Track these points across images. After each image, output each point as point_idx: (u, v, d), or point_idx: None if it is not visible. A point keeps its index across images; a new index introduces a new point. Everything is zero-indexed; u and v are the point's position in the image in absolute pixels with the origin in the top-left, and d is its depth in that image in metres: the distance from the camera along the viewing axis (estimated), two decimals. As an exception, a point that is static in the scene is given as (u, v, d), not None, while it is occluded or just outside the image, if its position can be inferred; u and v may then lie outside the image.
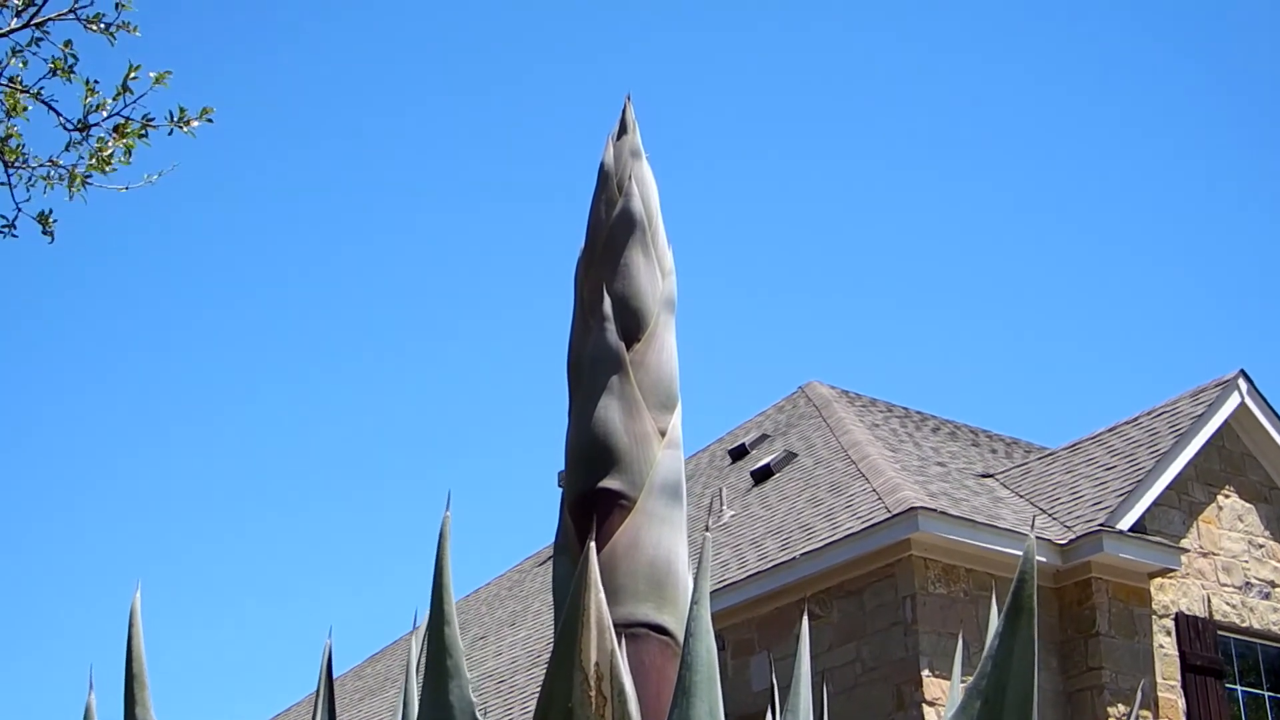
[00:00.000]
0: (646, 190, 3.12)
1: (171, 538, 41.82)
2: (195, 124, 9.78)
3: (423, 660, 2.59)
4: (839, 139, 39.74)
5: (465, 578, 27.02)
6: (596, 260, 3.07)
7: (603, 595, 2.43)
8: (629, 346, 2.97)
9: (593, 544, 2.42)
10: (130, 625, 2.74)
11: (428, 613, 2.55)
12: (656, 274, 3.06)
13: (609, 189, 3.11)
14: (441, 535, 2.50)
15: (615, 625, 2.52)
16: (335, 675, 3.10)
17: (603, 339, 2.96)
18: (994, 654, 2.44)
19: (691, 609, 2.45)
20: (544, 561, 24.84)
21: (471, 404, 43.81)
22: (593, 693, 2.36)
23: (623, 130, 3.19)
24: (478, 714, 2.46)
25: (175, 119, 9.76)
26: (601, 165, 3.14)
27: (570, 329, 3.09)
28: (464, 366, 42.65)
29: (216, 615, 42.74)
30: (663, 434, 2.95)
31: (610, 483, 2.87)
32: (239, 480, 43.61)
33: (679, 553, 2.89)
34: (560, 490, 3.00)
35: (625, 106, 3.21)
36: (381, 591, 43.01)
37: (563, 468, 3.02)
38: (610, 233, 3.07)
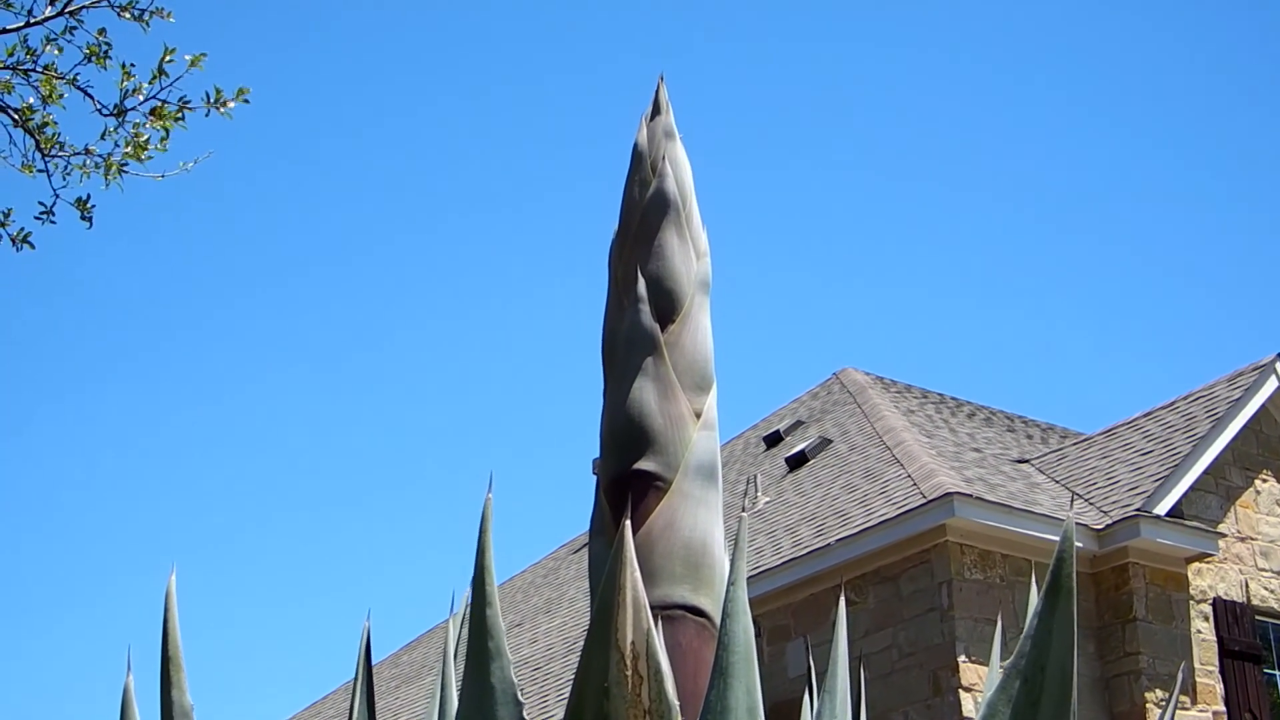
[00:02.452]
0: (680, 171, 3.10)
1: (210, 525, 42.01)
2: (231, 105, 9.82)
3: (462, 644, 2.59)
4: (874, 123, 39.65)
5: (500, 566, 26.96)
6: (630, 241, 3.05)
7: (638, 574, 2.42)
8: (663, 327, 2.95)
9: (628, 522, 2.41)
10: (166, 608, 2.75)
11: (467, 595, 2.54)
12: (691, 255, 3.04)
13: (642, 170, 3.10)
14: (484, 516, 2.48)
15: (651, 607, 2.51)
16: (373, 662, 3.09)
17: (637, 320, 2.95)
18: (1033, 634, 2.43)
19: (728, 590, 2.44)
20: (579, 549, 24.86)
21: (506, 393, 43.88)
22: (629, 672, 2.35)
23: (656, 111, 3.17)
24: (519, 695, 2.45)
25: (212, 100, 9.80)
26: (635, 146, 3.12)
27: (604, 311, 3.08)
28: (499, 355, 42.71)
29: (253, 603, 42.92)
30: (698, 415, 2.93)
31: (645, 464, 2.86)
32: (275, 469, 43.77)
33: (715, 535, 2.88)
34: (595, 477, 2.99)
35: (658, 87, 3.19)
36: (417, 581, 43.14)
37: (597, 455, 3.01)
38: (644, 214, 3.05)
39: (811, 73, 39.76)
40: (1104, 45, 38.61)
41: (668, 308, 2.97)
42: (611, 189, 3.13)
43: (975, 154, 38.99)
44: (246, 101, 9.82)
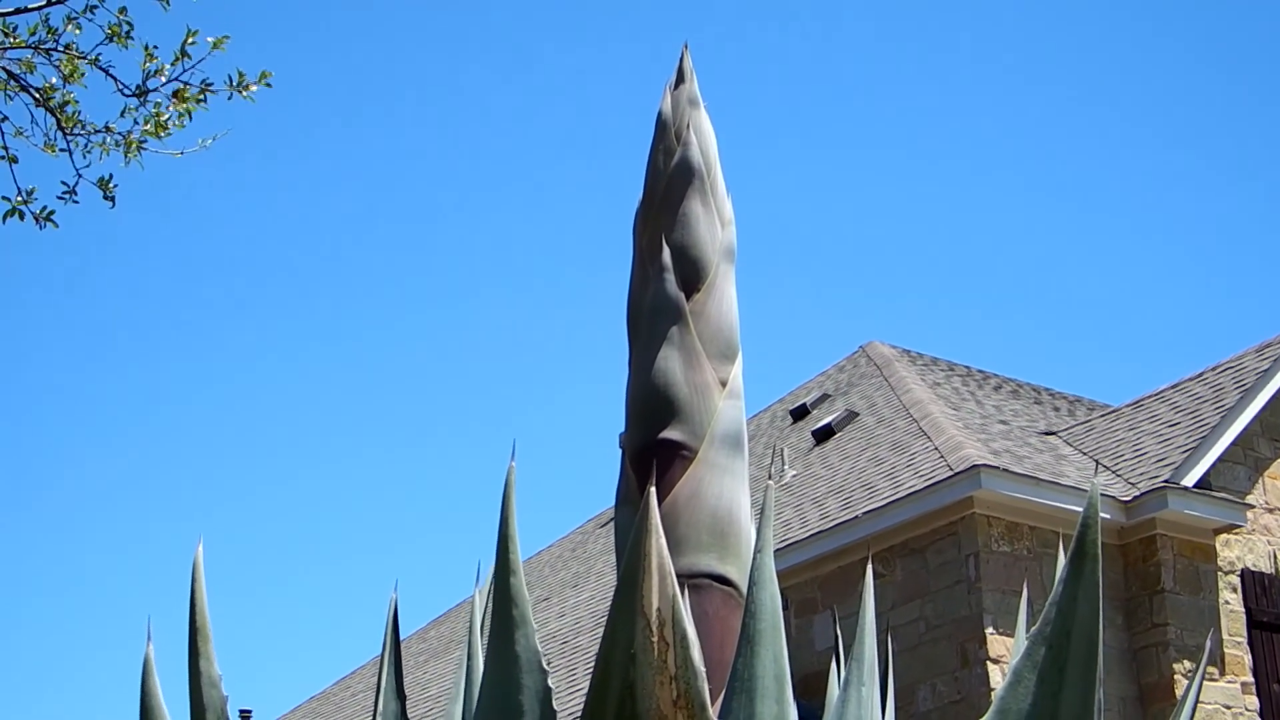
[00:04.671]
0: (705, 139, 3.09)
1: (237, 501, 42.15)
2: (254, 88, 9.85)
3: (488, 614, 2.59)
4: (901, 94, 39.52)
5: (528, 540, 27.04)
6: (655, 210, 3.05)
7: (664, 540, 2.41)
8: (688, 296, 2.95)
9: (653, 488, 2.40)
10: (194, 579, 2.76)
11: (493, 566, 2.54)
12: (716, 223, 3.03)
13: (667, 138, 3.09)
14: (507, 485, 2.48)
15: (677, 576, 2.51)
16: (401, 637, 3.10)
17: (662, 289, 2.94)
18: (1059, 600, 2.42)
19: (755, 557, 2.44)
20: (606, 523, 24.88)
21: (530, 369, 43.89)
22: (655, 638, 2.34)
23: (680, 79, 3.16)
24: (544, 663, 2.45)
25: (234, 84, 9.83)
26: (659, 114, 3.11)
27: (629, 281, 3.07)
28: (525, 328, 42.71)
29: (281, 580, 43.08)
30: (723, 384, 2.93)
31: (671, 433, 2.86)
32: (300, 446, 43.88)
33: (741, 503, 2.87)
34: (621, 451, 2.99)
35: (683, 55, 3.18)
36: (445, 557, 43.26)
37: (623, 429, 3.01)
38: (669, 182, 3.04)
39: (838, 45, 39.66)
40: (1112, 26, 38.44)
41: (693, 276, 2.97)
42: (637, 159, 3.12)
43: (1001, 125, 38.87)
44: (269, 85, 9.85)
